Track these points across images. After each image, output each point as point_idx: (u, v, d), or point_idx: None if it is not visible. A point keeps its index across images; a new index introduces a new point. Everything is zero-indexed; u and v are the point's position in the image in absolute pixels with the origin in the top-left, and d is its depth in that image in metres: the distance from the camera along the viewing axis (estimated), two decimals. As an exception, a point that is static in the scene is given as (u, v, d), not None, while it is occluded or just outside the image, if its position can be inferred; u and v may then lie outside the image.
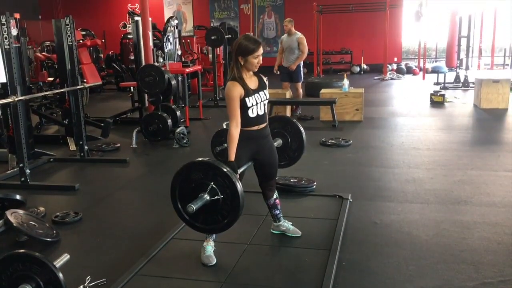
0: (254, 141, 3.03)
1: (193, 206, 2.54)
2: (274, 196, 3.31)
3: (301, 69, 8.17)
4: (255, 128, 3.00)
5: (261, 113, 3.00)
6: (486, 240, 3.26)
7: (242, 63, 2.91)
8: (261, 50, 2.92)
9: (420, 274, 2.82)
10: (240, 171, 2.89)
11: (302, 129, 3.51)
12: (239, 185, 2.58)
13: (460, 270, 2.86)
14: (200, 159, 2.71)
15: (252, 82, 2.98)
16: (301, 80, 8.22)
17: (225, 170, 2.59)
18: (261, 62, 2.96)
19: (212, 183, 2.59)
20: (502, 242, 3.22)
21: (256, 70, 2.99)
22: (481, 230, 3.42)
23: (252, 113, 2.95)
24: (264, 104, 3.04)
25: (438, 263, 2.95)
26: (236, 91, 2.87)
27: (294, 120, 3.57)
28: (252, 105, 2.93)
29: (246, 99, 2.90)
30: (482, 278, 2.76)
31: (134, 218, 3.93)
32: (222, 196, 2.59)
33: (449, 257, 3.02)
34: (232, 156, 2.87)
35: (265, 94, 3.04)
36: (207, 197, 2.59)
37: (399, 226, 3.53)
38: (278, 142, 3.41)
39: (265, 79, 3.12)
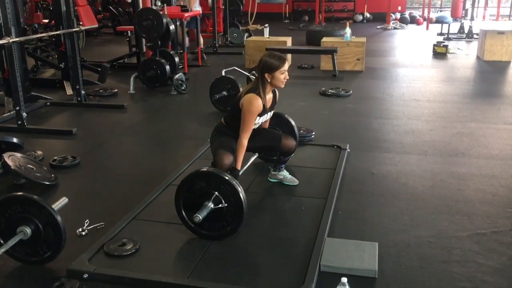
0: None
1: (200, 216, 2.53)
2: (291, 156, 3.35)
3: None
4: None
5: (256, 127, 3.04)
6: (481, 192, 3.29)
7: (269, 80, 2.90)
8: (286, 66, 2.91)
9: (415, 224, 2.86)
10: (241, 172, 3.00)
11: (297, 131, 3.49)
12: (241, 192, 2.56)
13: (454, 220, 2.90)
14: (205, 169, 2.68)
15: (269, 101, 3.01)
16: (193, 26, 8.27)
17: (227, 178, 2.57)
18: (288, 77, 2.95)
19: (216, 192, 2.57)
20: (497, 194, 3.25)
21: (283, 86, 2.96)
22: (477, 182, 3.45)
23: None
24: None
25: (433, 214, 2.98)
26: (258, 108, 2.88)
27: (286, 115, 3.51)
28: (257, 123, 2.98)
29: (257, 117, 2.93)
30: (475, 228, 2.80)
31: (132, 164, 3.94)
32: (226, 205, 2.57)
33: (444, 208, 3.06)
34: (239, 165, 2.89)
35: (270, 113, 3.10)
36: (211, 205, 2.58)
37: (396, 177, 3.55)
38: None
39: (277, 96, 3.13)
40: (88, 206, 3.14)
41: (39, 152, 4.00)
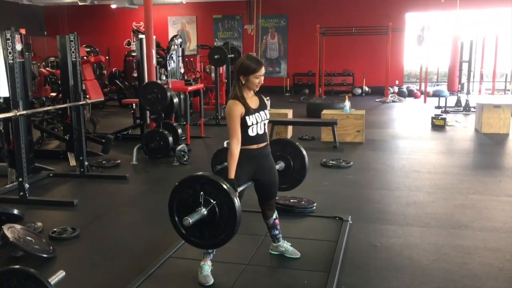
0: (254, 160, 3.02)
1: (190, 219, 2.53)
2: (274, 216, 3.28)
3: None
4: (255, 146, 3.01)
5: (261, 132, 3.02)
6: (487, 266, 3.22)
7: (244, 82, 2.93)
8: (262, 70, 2.95)
9: (420, 299, 2.78)
10: (240, 189, 2.88)
11: (303, 150, 3.50)
12: (233, 195, 2.56)
13: (461, 296, 2.82)
14: (191, 175, 2.71)
15: (253, 101, 3.00)
16: None
17: (212, 178, 2.60)
18: (262, 82, 2.98)
19: (202, 192, 2.59)
20: (504, 268, 3.18)
21: (257, 89, 3.01)
22: (482, 255, 3.38)
23: (252, 132, 2.96)
24: (264, 124, 3.05)
25: (438, 289, 2.91)
26: (237, 109, 2.89)
27: (296, 142, 3.55)
28: (252, 124, 2.95)
29: (247, 117, 2.91)
30: (483, 304, 2.72)
31: (132, 236, 3.90)
32: (215, 202, 2.57)
33: (450, 283, 2.98)
34: (232, 174, 2.87)
35: (265, 114, 3.05)
36: (203, 210, 2.58)
37: (399, 250, 3.50)
38: (280, 165, 3.40)
39: (266, 99, 3.13)
40: (85, 279, 3.08)
41: (39, 224, 3.97)
